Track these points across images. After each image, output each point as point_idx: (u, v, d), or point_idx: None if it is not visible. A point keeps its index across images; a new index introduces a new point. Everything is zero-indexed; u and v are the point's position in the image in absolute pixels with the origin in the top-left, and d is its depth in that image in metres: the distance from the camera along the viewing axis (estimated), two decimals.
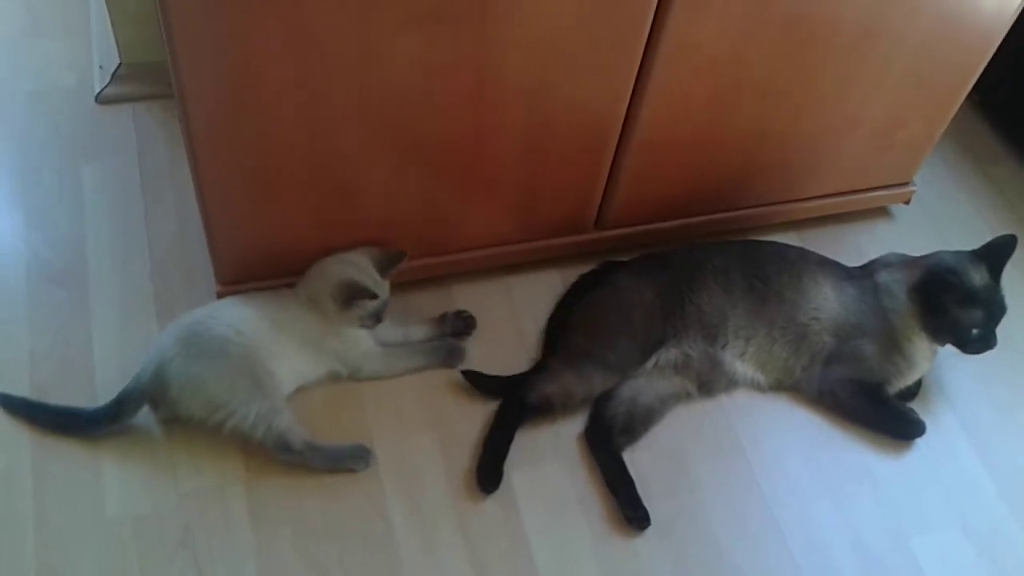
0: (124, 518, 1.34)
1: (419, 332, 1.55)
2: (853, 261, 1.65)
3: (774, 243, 1.65)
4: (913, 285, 1.53)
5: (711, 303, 1.52)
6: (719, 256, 1.58)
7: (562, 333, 1.57)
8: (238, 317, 1.40)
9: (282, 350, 1.41)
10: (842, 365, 1.53)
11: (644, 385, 1.50)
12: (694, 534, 1.40)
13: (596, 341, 1.51)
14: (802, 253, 1.62)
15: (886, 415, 1.54)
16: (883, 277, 1.57)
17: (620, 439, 1.46)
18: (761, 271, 1.56)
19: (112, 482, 1.37)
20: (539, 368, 1.52)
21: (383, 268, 1.45)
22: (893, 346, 1.52)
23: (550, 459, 1.45)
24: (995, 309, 1.51)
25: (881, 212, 1.86)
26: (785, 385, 1.56)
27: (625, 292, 1.56)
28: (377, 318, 1.46)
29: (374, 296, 1.41)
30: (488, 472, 1.42)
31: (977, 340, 1.51)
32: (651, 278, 1.56)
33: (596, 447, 1.46)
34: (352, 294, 1.41)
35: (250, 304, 1.43)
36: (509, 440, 1.44)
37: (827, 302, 1.54)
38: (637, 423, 1.48)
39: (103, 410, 1.38)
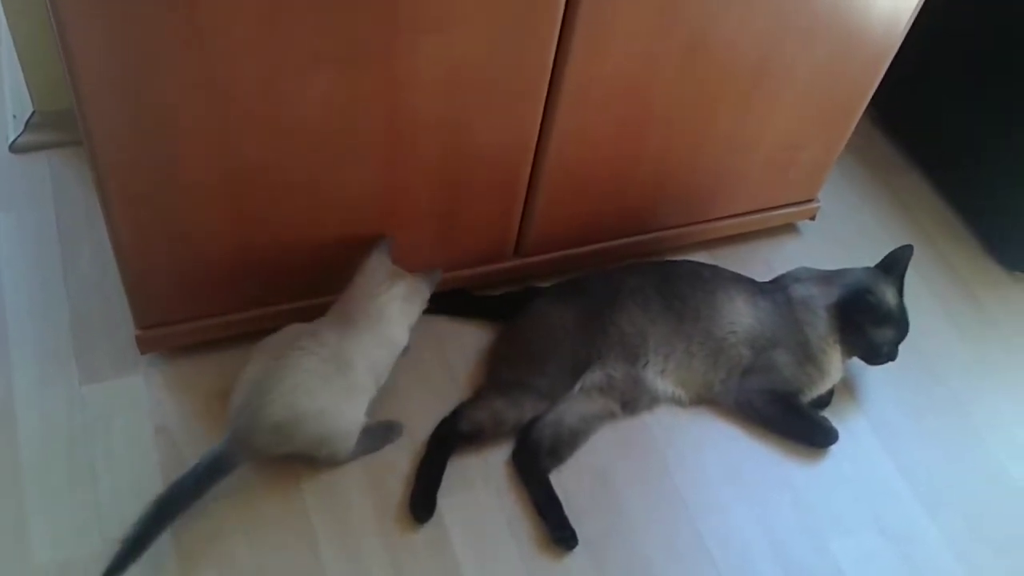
0: (50, 564, 1.33)
1: None
2: (764, 276, 1.70)
3: (688, 262, 1.70)
4: (832, 304, 1.59)
5: (631, 323, 1.56)
6: (635, 277, 1.62)
7: (489, 361, 1.59)
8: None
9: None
10: (757, 376, 1.58)
11: (568, 408, 1.53)
12: (622, 552, 1.43)
13: (523, 368, 1.54)
14: (715, 270, 1.67)
15: (801, 423, 1.59)
16: (797, 291, 1.63)
17: (546, 461, 1.49)
18: (677, 289, 1.60)
19: (38, 529, 1.35)
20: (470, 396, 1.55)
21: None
22: (807, 357, 1.58)
23: (479, 485, 1.47)
24: (903, 328, 1.60)
25: (789, 228, 1.93)
26: (705, 399, 1.60)
27: (547, 318, 1.60)
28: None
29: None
30: (421, 502, 1.43)
31: (883, 355, 1.58)
32: (571, 303, 1.60)
33: (523, 470, 1.49)
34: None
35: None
36: (441, 469, 1.46)
37: (741, 316, 1.60)
38: (563, 445, 1.51)
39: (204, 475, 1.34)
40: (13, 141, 1.82)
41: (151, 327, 1.48)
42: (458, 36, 1.26)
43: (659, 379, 1.57)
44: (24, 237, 1.69)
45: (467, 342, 1.64)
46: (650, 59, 1.41)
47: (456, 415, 1.50)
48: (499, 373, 1.57)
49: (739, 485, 1.53)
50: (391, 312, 1.43)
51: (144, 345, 1.49)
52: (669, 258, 1.75)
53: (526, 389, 1.51)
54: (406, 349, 1.49)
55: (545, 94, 1.39)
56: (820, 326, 1.59)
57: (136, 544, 1.26)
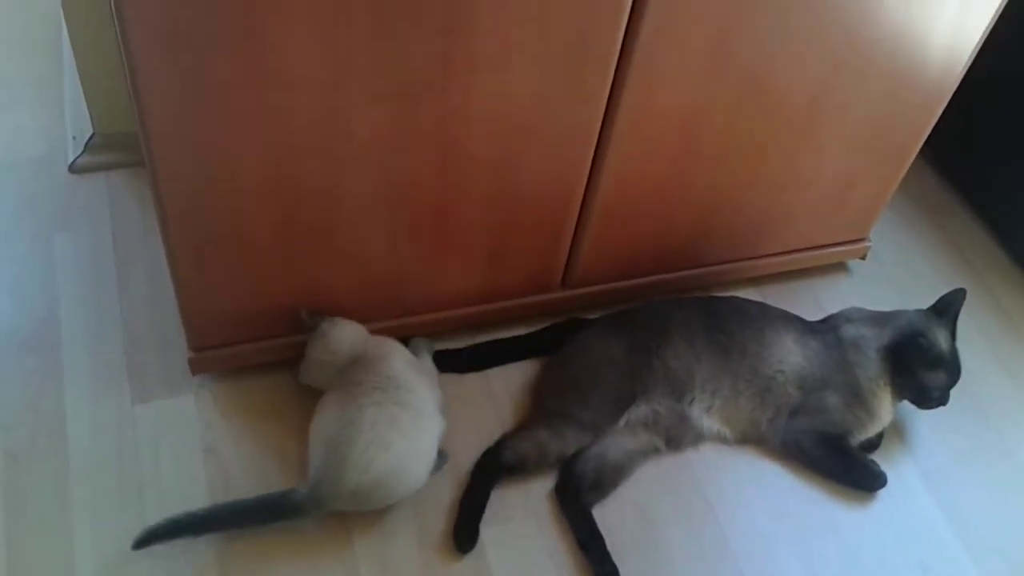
0: None
1: None
2: (813, 315, 1.69)
3: (735, 298, 1.70)
4: (885, 346, 1.58)
5: (677, 358, 1.56)
6: (682, 311, 1.62)
7: (534, 392, 1.60)
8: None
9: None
10: (806, 416, 1.56)
11: (612, 442, 1.52)
12: None
13: (568, 399, 1.54)
14: (763, 307, 1.66)
15: (849, 466, 1.57)
16: (848, 332, 1.61)
17: (589, 496, 1.48)
18: (724, 325, 1.60)
19: (84, 550, 1.37)
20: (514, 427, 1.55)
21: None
22: (857, 399, 1.56)
23: (520, 517, 1.47)
24: (955, 372, 1.58)
25: (839, 267, 1.91)
26: (751, 438, 1.59)
27: (593, 350, 1.60)
28: None
29: None
30: (464, 533, 1.43)
31: (934, 400, 1.56)
32: (617, 336, 1.60)
33: (565, 504, 1.48)
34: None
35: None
36: (485, 500, 1.46)
37: (790, 355, 1.58)
38: (606, 480, 1.50)
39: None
40: (73, 162, 1.86)
41: (203, 349, 1.50)
42: (512, 75, 1.27)
43: (705, 416, 1.56)
44: (81, 256, 1.72)
45: (512, 373, 1.64)
46: (702, 98, 1.42)
47: (500, 445, 1.50)
48: (544, 404, 1.57)
49: (783, 526, 1.52)
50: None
51: (196, 366, 1.51)
52: (716, 294, 1.75)
53: (570, 421, 1.51)
54: None
55: (598, 129, 1.40)
56: (871, 368, 1.57)
57: (176, 527, 1.31)
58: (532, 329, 1.70)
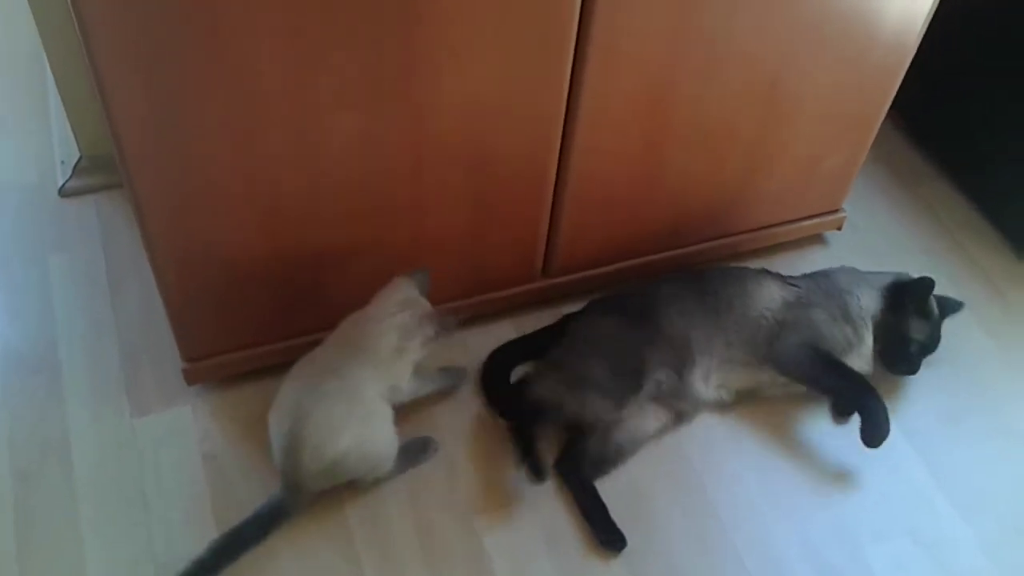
0: None
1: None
2: None
3: (720, 266, 1.74)
4: (886, 285, 1.64)
5: (672, 327, 1.58)
6: (668, 285, 1.65)
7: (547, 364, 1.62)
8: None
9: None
10: (795, 333, 1.60)
11: (618, 422, 1.55)
12: (655, 563, 1.46)
13: (588, 364, 1.56)
14: (747, 269, 1.70)
15: (847, 383, 1.60)
16: (842, 273, 1.69)
17: (590, 470, 1.52)
18: (709, 287, 1.64)
19: (94, 562, 1.42)
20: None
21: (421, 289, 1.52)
22: (845, 317, 1.61)
23: (518, 496, 1.51)
24: (935, 339, 1.63)
25: (816, 239, 1.95)
26: (748, 393, 1.62)
27: (591, 333, 1.63)
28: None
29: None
30: (531, 467, 1.46)
31: (910, 356, 1.60)
32: (610, 318, 1.63)
33: (568, 476, 1.52)
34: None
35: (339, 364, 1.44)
36: (532, 435, 1.50)
37: (774, 299, 1.62)
38: (608, 460, 1.54)
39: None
40: (62, 186, 1.91)
41: (197, 359, 1.54)
42: (473, 66, 1.31)
43: (703, 384, 1.59)
44: (76, 277, 1.77)
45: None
46: (666, 76, 1.45)
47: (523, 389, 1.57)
48: (564, 368, 1.58)
49: (771, 494, 1.55)
50: (386, 342, 1.42)
51: (190, 377, 1.56)
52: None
53: (592, 384, 1.53)
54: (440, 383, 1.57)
55: (563, 115, 1.43)
56: (864, 298, 1.62)
57: None
58: (517, 319, 1.73)
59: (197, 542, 1.41)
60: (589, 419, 1.53)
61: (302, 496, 1.41)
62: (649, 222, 1.71)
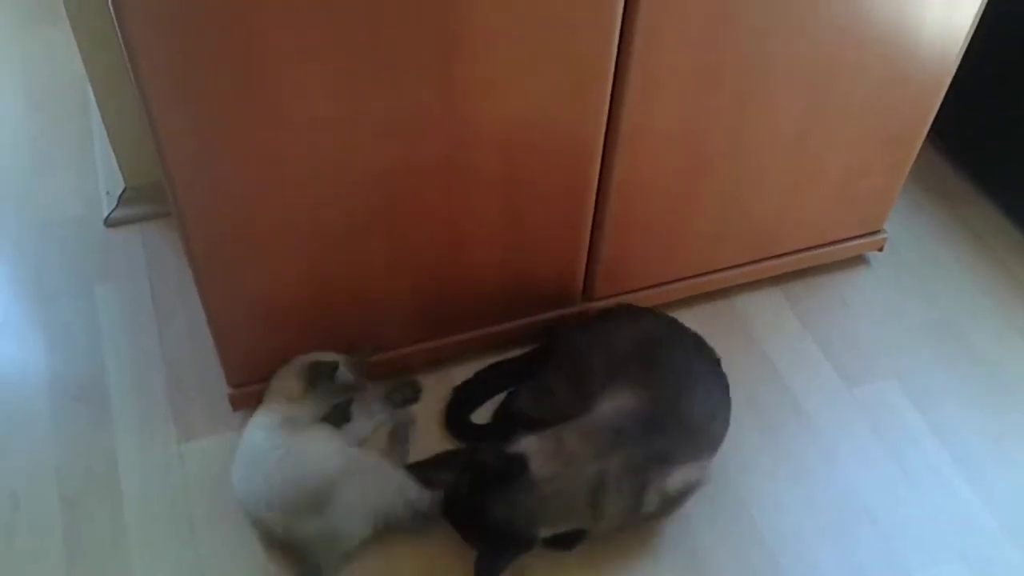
0: None
1: (378, 409, 1.61)
2: (838, 311, 1.72)
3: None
4: None
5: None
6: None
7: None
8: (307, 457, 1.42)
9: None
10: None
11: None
12: None
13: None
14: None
15: None
16: None
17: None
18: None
19: None
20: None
21: (355, 365, 1.52)
22: None
23: None
24: None
25: (858, 260, 1.93)
26: None
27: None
28: (345, 414, 1.53)
29: (335, 368, 1.48)
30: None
31: None
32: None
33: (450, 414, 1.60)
34: (316, 372, 1.48)
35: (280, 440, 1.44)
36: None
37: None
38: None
39: None
40: (107, 216, 1.94)
41: (242, 385, 1.55)
42: (511, 97, 1.32)
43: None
44: (122, 306, 1.80)
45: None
46: (701, 107, 1.46)
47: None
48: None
49: (817, 516, 1.53)
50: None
51: (236, 402, 1.57)
52: (737, 296, 1.79)
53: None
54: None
55: (602, 145, 1.44)
56: None
57: None
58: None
59: (245, 568, 1.43)
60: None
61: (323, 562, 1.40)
62: (688, 244, 1.71)
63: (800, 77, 1.49)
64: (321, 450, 1.42)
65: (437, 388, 1.66)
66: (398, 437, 1.57)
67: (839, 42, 1.46)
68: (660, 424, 1.39)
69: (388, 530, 1.43)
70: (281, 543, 1.41)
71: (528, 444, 1.36)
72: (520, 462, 1.29)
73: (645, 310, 1.62)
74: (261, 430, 1.45)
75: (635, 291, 1.74)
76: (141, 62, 1.11)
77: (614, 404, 1.43)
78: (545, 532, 1.35)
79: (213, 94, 1.17)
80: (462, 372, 1.68)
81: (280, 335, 1.52)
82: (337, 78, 1.21)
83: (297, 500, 1.38)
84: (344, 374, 1.50)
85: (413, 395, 1.65)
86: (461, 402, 1.64)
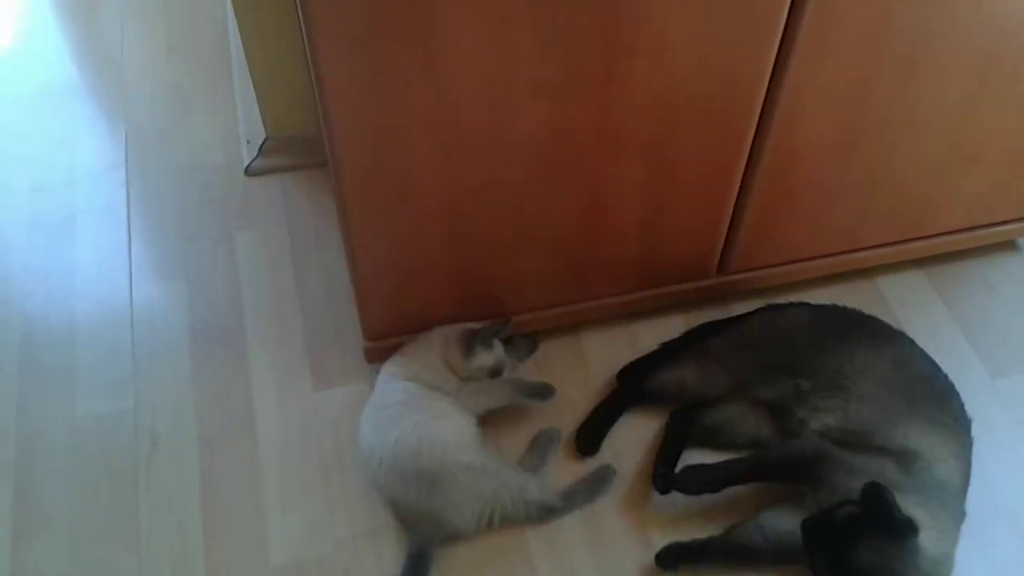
0: (288, 565, 1.44)
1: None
2: (982, 296, 1.64)
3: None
4: None
5: (841, 370, 1.49)
6: (870, 341, 1.54)
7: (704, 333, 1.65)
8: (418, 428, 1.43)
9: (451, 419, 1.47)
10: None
11: (735, 413, 1.53)
12: None
13: (733, 349, 1.57)
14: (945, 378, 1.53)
15: None
16: None
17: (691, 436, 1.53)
18: (906, 363, 1.52)
19: (275, 531, 1.47)
20: (664, 355, 1.63)
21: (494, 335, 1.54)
22: None
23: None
24: None
25: (1008, 246, 1.85)
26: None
27: (785, 319, 1.61)
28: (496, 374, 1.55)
29: (495, 333, 1.52)
30: (587, 437, 1.55)
31: None
32: (800, 322, 1.58)
33: (674, 416, 1.55)
34: (472, 340, 1.51)
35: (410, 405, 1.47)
36: (616, 416, 1.58)
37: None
38: (712, 438, 1.54)
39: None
40: (248, 165, 1.98)
41: (377, 338, 1.58)
42: (674, 57, 1.29)
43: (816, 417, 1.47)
44: (261, 255, 1.84)
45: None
46: (865, 69, 1.39)
47: (645, 373, 1.60)
48: (708, 342, 1.61)
49: None
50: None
51: (371, 355, 1.59)
52: (879, 279, 1.72)
53: (722, 365, 1.55)
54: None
55: (760, 107, 1.40)
56: None
57: None
58: (687, 315, 1.71)
59: (376, 516, 1.46)
60: (711, 396, 1.54)
61: (428, 536, 1.41)
62: (834, 220, 1.65)
63: (972, 45, 1.41)
64: (454, 439, 1.43)
65: (566, 355, 1.65)
66: (539, 447, 1.54)
67: (1017, 17, 1.38)
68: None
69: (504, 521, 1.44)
70: (387, 504, 1.44)
71: (919, 516, 1.29)
72: (913, 528, 1.26)
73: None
74: (399, 388, 1.47)
75: (773, 266, 1.70)
76: (312, 7, 1.11)
77: (946, 467, 1.40)
78: None
79: (379, 41, 1.16)
80: (592, 340, 1.69)
81: (418, 294, 1.53)
82: (494, 35, 1.19)
83: (411, 472, 1.39)
84: (498, 345, 1.53)
85: (531, 348, 1.67)
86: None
